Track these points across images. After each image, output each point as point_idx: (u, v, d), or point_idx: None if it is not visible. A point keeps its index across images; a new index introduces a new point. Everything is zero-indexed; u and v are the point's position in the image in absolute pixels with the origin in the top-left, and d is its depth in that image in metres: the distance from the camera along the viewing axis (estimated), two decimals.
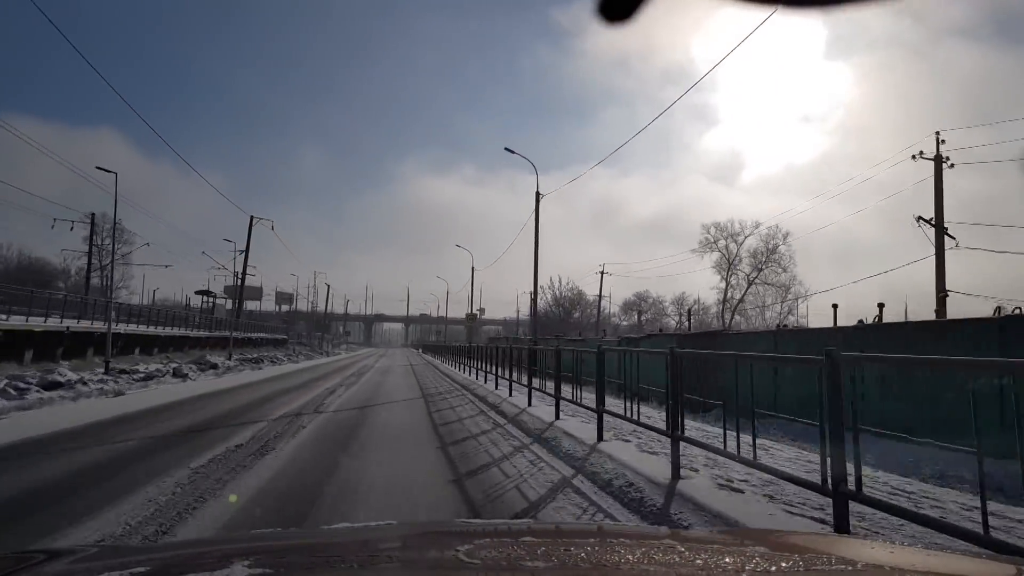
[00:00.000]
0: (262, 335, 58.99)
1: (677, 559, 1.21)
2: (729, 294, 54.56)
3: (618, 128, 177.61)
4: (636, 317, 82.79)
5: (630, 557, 1.22)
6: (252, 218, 54.83)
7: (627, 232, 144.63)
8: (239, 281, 55.14)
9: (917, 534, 4.01)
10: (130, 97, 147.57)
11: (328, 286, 70.97)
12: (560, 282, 74.54)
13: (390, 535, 1.69)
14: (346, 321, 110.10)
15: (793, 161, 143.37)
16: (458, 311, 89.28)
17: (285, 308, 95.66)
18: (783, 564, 1.20)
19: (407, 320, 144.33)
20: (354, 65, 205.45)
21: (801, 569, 1.19)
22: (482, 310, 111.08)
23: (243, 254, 54.83)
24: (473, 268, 46.24)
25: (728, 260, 54.07)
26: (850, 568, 1.21)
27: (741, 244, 53.75)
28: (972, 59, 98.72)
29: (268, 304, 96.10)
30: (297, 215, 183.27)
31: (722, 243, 54.52)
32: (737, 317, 54.24)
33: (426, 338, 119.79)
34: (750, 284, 53.78)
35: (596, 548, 1.37)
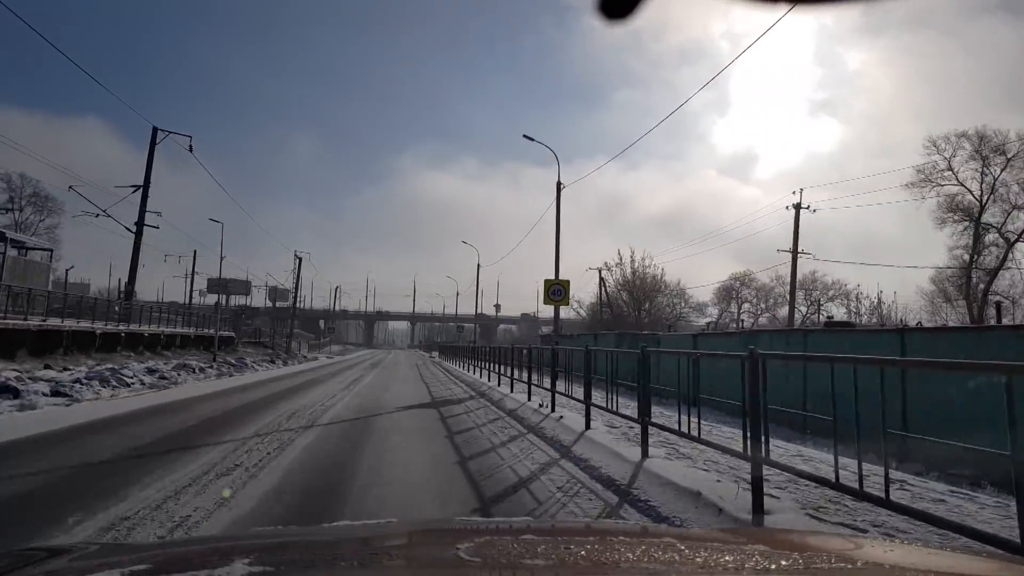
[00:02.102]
0: (180, 331, 36.49)
1: (677, 557, 1.19)
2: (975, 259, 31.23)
3: (630, 113, 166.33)
4: (737, 307, 59.90)
5: (630, 555, 1.20)
6: (155, 130, 32.46)
7: (638, 227, 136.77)
8: (136, 232, 32.56)
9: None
10: (116, 85, 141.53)
11: (299, 259, 47.68)
12: (632, 258, 51.84)
13: (391, 533, 1.68)
14: (333, 317, 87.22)
15: (812, 152, 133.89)
16: (466, 308, 76.65)
17: (281, 304, 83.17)
18: (783, 562, 1.19)
19: (413, 318, 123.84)
20: (350, 50, 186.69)
21: (801, 567, 1.18)
22: (498, 307, 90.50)
23: (141, 191, 32.38)
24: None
25: (979, 200, 30.61)
26: (850, 566, 1.20)
27: (1004, 168, 30.14)
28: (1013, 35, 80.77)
29: (260, 299, 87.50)
30: (294, 211, 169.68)
31: (971, 167, 31.00)
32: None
33: (433, 338, 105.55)
34: (1017, 240, 30.46)
35: (596, 546, 1.35)
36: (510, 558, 1.20)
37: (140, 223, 32.46)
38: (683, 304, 55.13)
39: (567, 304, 20.05)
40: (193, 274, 69.81)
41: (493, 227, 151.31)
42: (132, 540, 3.93)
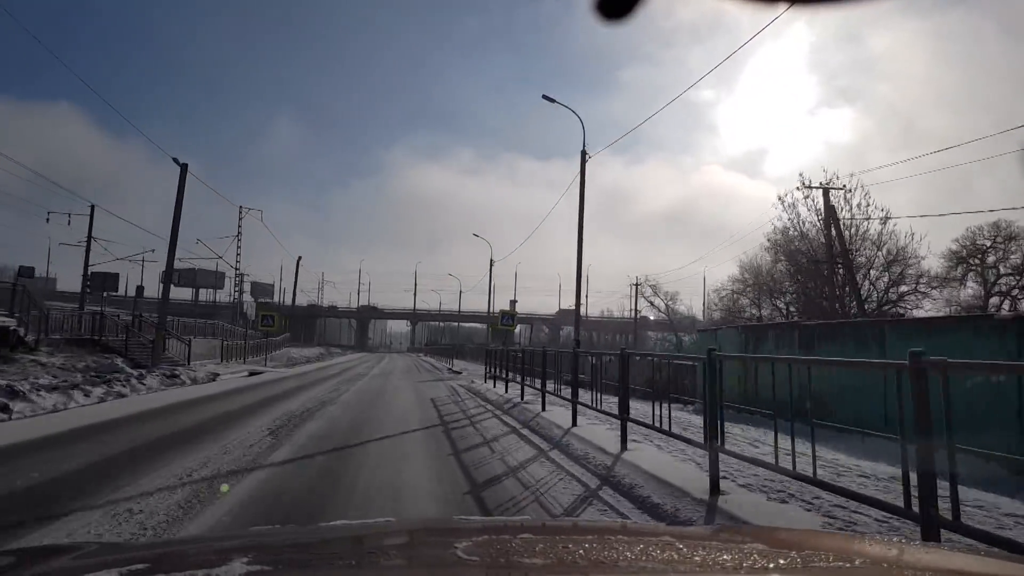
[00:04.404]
0: None
1: (675, 556, 1.18)
2: None
3: (638, 97, 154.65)
4: (983, 282, 34.81)
5: (628, 554, 1.20)
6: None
7: (644, 223, 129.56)
8: None
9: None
10: (93, 70, 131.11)
11: (181, 170, 22.35)
12: (847, 190, 27.13)
13: (389, 532, 1.67)
14: (308, 314, 62.79)
15: (830, 144, 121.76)
16: (474, 307, 71.43)
17: (264, 300, 75.34)
18: (781, 561, 1.17)
19: (414, 316, 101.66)
20: (337, 32, 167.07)
21: (799, 566, 1.17)
22: (514, 302, 73.29)
23: None
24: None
25: None
26: (848, 565, 1.19)
27: None
28: None
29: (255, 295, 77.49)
30: (283, 208, 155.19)
31: None
32: None
33: (437, 339, 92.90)
34: None
35: (594, 545, 1.34)
36: (508, 557, 1.19)
37: None
38: (910, 275, 30.37)
39: None
40: (89, 239, 44.45)
41: (494, 221, 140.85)
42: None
